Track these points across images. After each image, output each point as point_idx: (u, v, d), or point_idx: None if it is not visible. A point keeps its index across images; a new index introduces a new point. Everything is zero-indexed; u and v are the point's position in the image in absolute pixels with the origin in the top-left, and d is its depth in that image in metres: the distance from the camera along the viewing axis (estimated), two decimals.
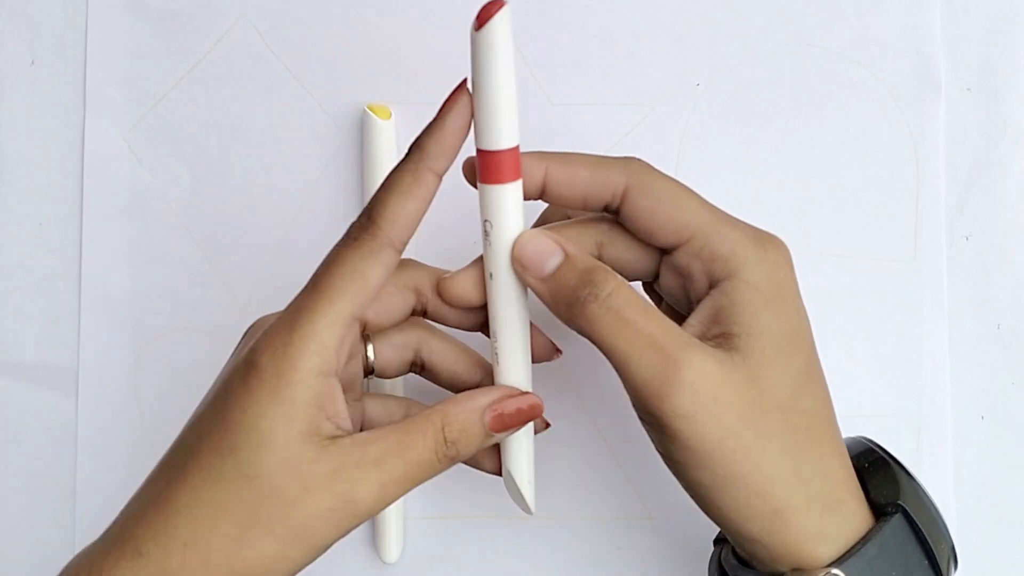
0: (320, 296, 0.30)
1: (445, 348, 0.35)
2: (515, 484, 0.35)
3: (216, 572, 0.29)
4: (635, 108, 0.44)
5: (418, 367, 0.35)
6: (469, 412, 0.31)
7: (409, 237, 0.31)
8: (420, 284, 0.33)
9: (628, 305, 0.30)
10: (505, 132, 0.30)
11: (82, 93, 0.44)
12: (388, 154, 0.41)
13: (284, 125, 0.43)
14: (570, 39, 0.44)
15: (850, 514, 0.31)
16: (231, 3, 0.44)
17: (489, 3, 0.29)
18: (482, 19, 0.28)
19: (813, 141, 0.44)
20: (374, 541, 0.42)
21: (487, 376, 0.35)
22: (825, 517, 0.30)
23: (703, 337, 0.31)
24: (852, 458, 0.33)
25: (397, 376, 0.36)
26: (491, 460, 0.35)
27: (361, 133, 0.42)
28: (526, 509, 0.36)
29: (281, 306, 0.32)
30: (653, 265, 0.33)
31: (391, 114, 0.41)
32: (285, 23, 0.44)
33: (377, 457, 0.30)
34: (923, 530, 0.31)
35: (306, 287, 0.31)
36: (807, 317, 0.32)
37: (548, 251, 0.31)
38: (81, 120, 0.44)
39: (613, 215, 0.33)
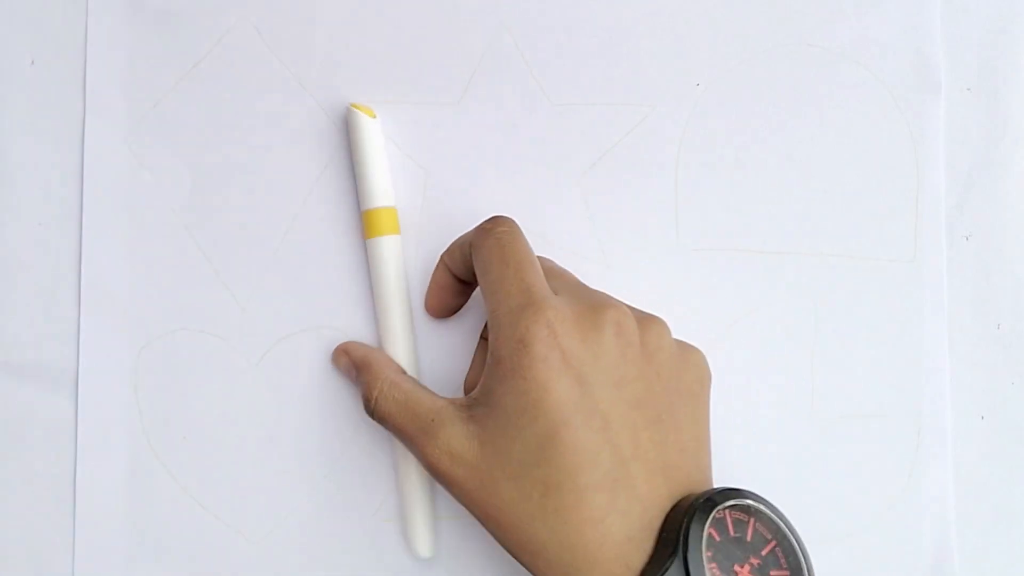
0: None
1: None
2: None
3: None
4: (635, 108, 0.44)
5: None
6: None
7: None
8: None
9: (388, 413, 0.36)
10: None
11: (82, 93, 0.44)
12: (376, 151, 0.42)
13: (284, 125, 0.43)
14: (570, 39, 0.44)
15: None
16: (231, 3, 0.44)
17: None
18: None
19: (813, 141, 0.44)
20: (406, 535, 0.42)
21: None
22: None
23: (465, 402, 0.34)
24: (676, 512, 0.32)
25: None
26: None
27: (348, 132, 0.42)
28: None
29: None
30: None
31: (375, 114, 0.42)
32: (285, 23, 0.44)
33: None
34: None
35: None
36: (574, 387, 0.32)
37: (342, 363, 0.40)
38: (81, 120, 0.44)
39: None
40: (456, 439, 0.34)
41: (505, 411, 0.32)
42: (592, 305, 0.34)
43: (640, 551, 0.32)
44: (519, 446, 0.32)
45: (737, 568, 0.32)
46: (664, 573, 0.30)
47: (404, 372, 0.39)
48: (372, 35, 0.44)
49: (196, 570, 0.42)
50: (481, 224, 0.37)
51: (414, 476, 0.40)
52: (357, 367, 0.39)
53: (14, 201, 0.44)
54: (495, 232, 0.36)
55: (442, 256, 0.40)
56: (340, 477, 0.42)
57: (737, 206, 0.43)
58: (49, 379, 0.43)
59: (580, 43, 0.44)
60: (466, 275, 0.39)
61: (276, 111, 0.43)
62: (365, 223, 0.41)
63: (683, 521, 0.31)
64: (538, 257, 0.37)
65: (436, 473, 0.34)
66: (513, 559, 0.33)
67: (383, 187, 0.41)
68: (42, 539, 0.42)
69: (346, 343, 0.41)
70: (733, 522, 0.33)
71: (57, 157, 0.44)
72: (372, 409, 0.37)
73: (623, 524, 0.32)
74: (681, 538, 0.31)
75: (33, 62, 0.44)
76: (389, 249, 0.41)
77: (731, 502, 0.33)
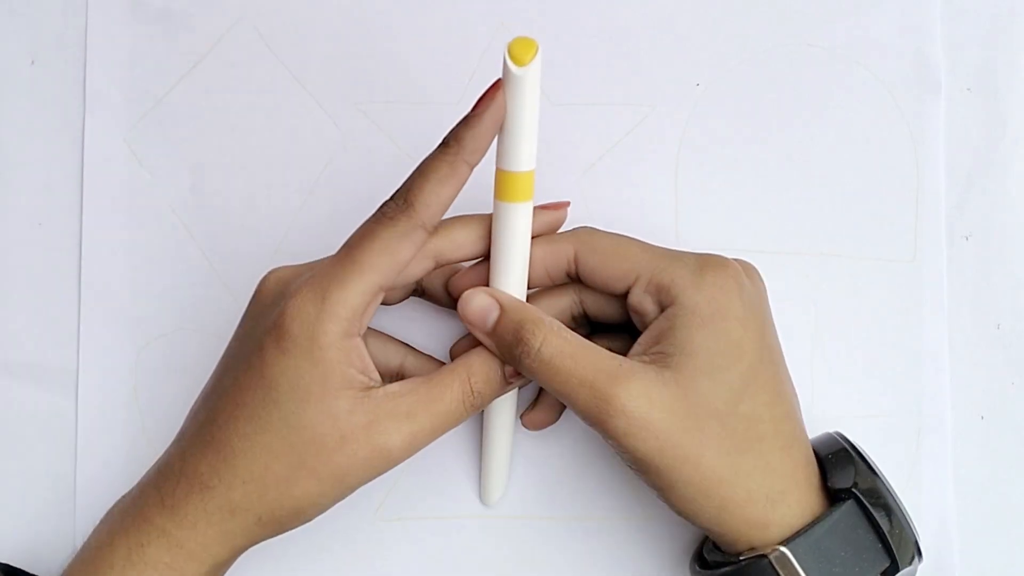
0: (353, 267, 0.33)
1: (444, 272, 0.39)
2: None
3: (270, 505, 0.33)
4: (635, 108, 0.44)
5: (419, 292, 0.39)
6: (492, 363, 0.36)
7: (439, 220, 0.34)
8: (441, 254, 0.36)
9: (557, 355, 0.34)
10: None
11: (82, 93, 0.44)
12: (526, 106, 0.34)
13: (284, 125, 0.43)
14: (570, 39, 0.44)
15: (795, 503, 0.34)
16: (231, 3, 0.44)
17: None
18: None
19: (813, 141, 0.44)
20: (483, 482, 0.42)
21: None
22: (768, 507, 0.34)
23: (645, 359, 0.35)
24: (819, 452, 0.37)
25: (400, 303, 0.40)
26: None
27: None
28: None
29: None
30: (622, 308, 0.38)
31: (535, 49, 0.33)
32: (285, 23, 0.44)
33: (408, 410, 0.34)
34: (875, 516, 0.34)
35: (338, 256, 0.34)
36: (755, 329, 0.35)
37: (487, 307, 0.36)
38: (81, 120, 0.44)
39: (576, 279, 0.38)
40: (653, 384, 0.33)
41: (708, 354, 0.34)
42: (734, 260, 0.37)
43: (816, 471, 0.36)
44: (724, 386, 0.34)
45: None
46: (854, 484, 0.35)
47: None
48: (372, 35, 0.44)
49: None
50: (562, 233, 0.38)
51: (507, 426, 0.40)
52: (505, 309, 0.35)
53: (14, 201, 0.44)
54: (590, 227, 0.38)
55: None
56: None
57: (737, 206, 0.43)
58: (49, 379, 0.43)
59: (580, 43, 0.44)
60: (563, 279, 0.38)
61: (276, 111, 0.43)
62: (503, 184, 0.35)
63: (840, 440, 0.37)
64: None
65: (627, 418, 0.33)
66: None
67: (530, 149, 0.35)
68: (42, 539, 0.42)
69: (485, 287, 0.36)
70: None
71: (57, 157, 0.44)
72: (535, 353, 0.34)
73: (804, 447, 0.36)
74: (856, 453, 0.36)
75: (33, 62, 0.44)
76: (525, 217, 0.36)
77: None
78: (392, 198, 0.34)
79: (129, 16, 0.44)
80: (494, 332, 0.35)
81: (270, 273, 0.36)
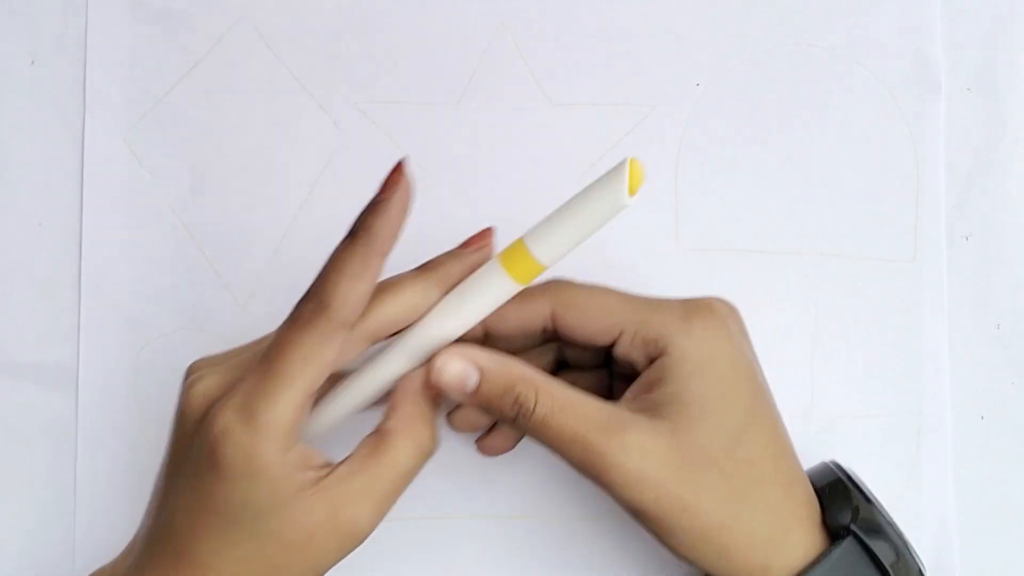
0: (277, 381, 0.31)
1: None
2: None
3: None
4: (635, 108, 0.44)
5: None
6: (413, 400, 0.34)
7: (358, 314, 0.32)
8: (375, 334, 0.34)
9: (553, 413, 0.33)
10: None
11: (82, 93, 0.44)
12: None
13: (284, 125, 0.43)
14: (570, 39, 0.44)
15: (797, 543, 0.34)
16: (231, 3, 0.44)
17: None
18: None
19: (813, 141, 0.44)
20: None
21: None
22: (770, 550, 0.34)
23: (637, 409, 0.34)
24: (815, 484, 0.36)
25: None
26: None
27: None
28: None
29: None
30: (602, 352, 0.37)
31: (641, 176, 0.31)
32: (285, 23, 0.44)
33: (365, 487, 0.32)
34: (876, 553, 0.34)
35: (261, 369, 0.32)
36: (745, 371, 0.35)
37: (465, 373, 0.33)
38: (81, 120, 0.44)
39: (554, 336, 0.36)
40: (647, 435, 0.33)
41: (702, 401, 0.33)
42: (716, 300, 0.36)
43: (816, 507, 0.35)
44: (721, 432, 0.33)
45: None
46: (853, 517, 0.35)
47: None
48: (372, 35, 0.44)
49: None
50: (536, 288, 0.35)
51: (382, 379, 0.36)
52: (486, 371, 0.34)
53: (14, 201, 0.44)
54: (564, 279, 0.36)
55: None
56: None
57: (737, 206, 0.43)
58: (49, 379, 0.43)
59: (580, 43, 0.44)
60: (536, 333, 0.37)
61: (276, 111, 0.43)
62: (520, 262, 0.33)
63: (837, 470, 0.37)
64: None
65: (622, 471, 0.32)
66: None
67: (566, 253, 0.33)
68: (42, 539, 0.42)
69: (459, 349, 0.34)
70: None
71: (57, 157, 0.44)
72: (535, 418, 0.33)
73: (804, 484, 0.35)
74: (851, 483, 0.36)
75: (33, 62, 0.44)
76: (509, 294, 0.34)
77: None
78: (305, 299, 0.32)
79: (129, 16, 0.44)
80: (476, 395, 0.34)
81: (193, 383, 0.34)
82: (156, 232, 0.43)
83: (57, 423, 0.43)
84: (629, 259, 0.43)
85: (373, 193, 0.32)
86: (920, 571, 0.35)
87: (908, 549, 0.35)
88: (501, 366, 0.34)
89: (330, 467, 0.32)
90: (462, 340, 0.34)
